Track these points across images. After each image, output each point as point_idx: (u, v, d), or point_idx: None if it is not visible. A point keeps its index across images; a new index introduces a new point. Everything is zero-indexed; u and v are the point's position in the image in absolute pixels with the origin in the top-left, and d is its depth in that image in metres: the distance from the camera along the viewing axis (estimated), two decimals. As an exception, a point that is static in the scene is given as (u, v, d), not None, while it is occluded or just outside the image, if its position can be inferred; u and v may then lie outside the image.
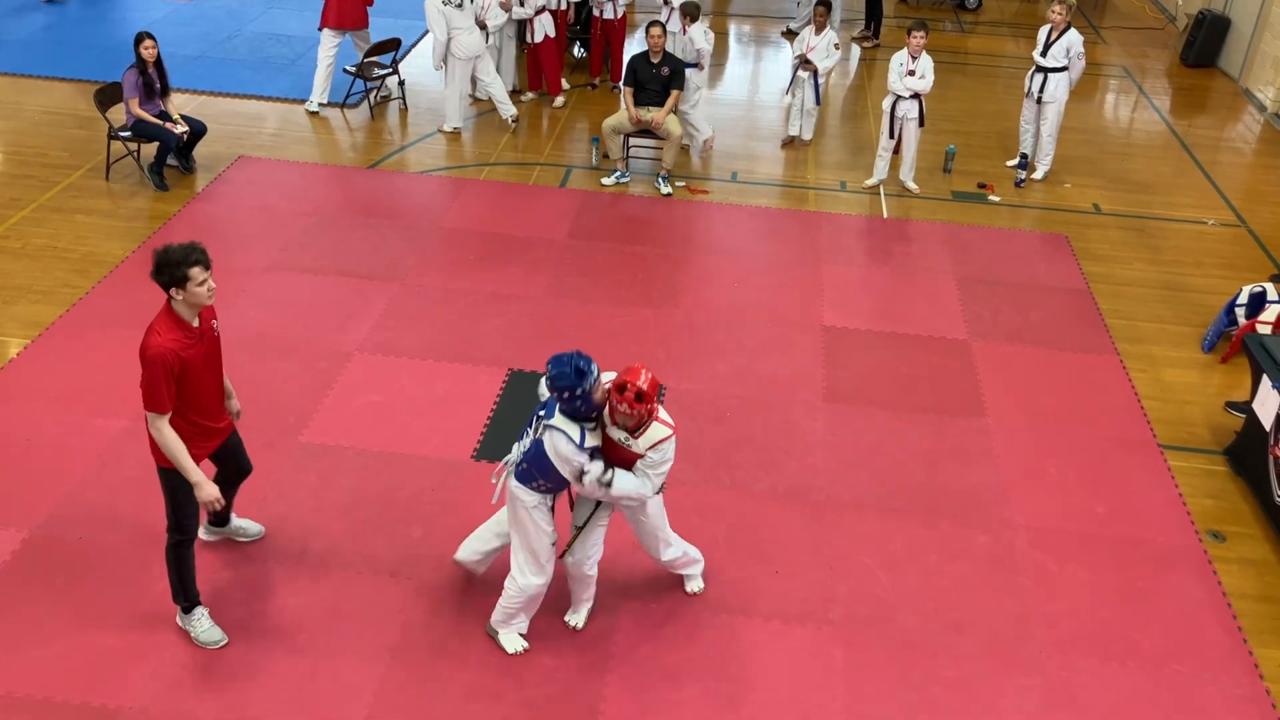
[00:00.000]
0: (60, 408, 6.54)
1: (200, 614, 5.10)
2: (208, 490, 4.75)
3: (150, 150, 9.34)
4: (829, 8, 10.54)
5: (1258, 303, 7.66)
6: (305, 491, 6.03)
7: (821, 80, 10.66)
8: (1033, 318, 8.11)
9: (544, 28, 11.04)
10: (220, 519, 5.55)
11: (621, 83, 9.91)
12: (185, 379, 4.60)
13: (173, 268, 4.46)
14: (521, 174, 10.02)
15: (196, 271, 4.50)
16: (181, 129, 9.19)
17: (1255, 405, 6.48)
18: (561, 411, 4.68)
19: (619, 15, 11.73)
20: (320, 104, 10.99)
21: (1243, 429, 6.70)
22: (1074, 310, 8.24)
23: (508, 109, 10.68)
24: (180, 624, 5.16)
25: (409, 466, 6.27)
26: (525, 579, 4.96)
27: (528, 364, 7.20)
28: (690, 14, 10.32)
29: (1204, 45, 13.79)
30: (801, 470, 6.44)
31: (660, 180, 9.79)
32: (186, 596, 5.07)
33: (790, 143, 10.99)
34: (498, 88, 10.61)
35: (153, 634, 5.11)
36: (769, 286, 8.34)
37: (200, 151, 9.70)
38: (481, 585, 5.48)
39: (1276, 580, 5.89)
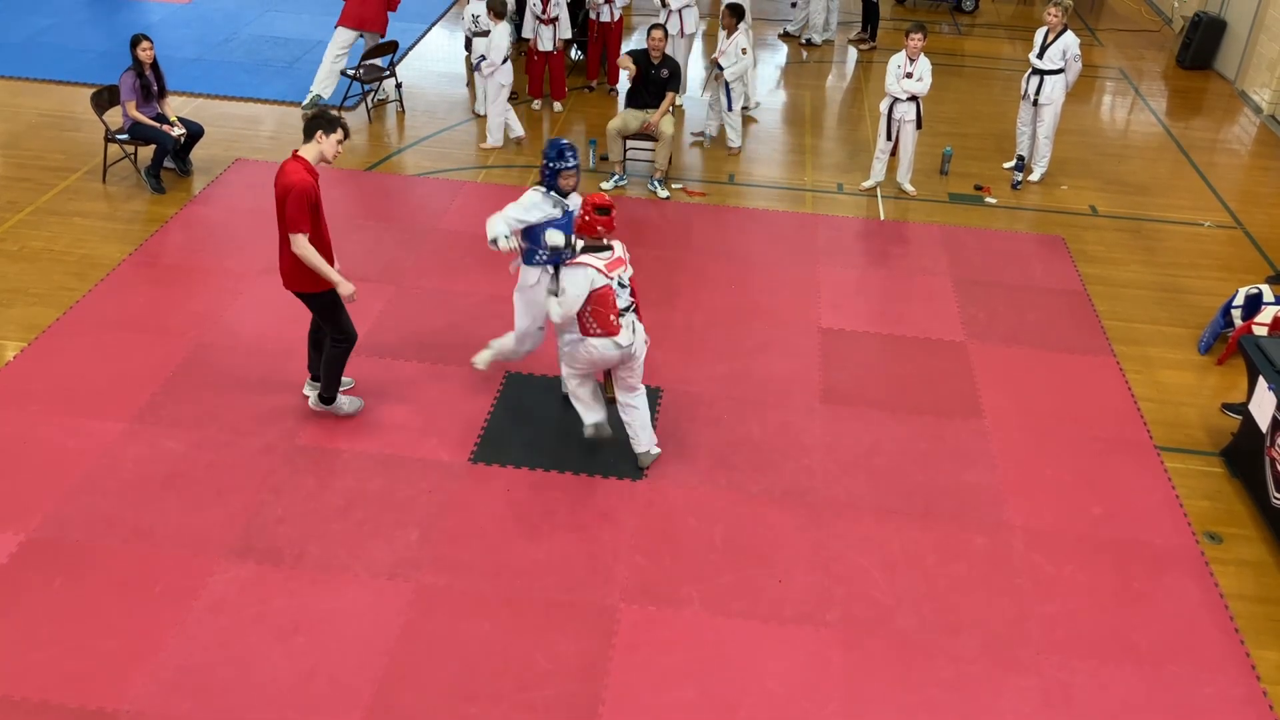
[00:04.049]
0: (58, 410, 6.54)
1: (342, 399, 6.46)
2: (348, 285, 5.92)
3: (147, 153, 9.33)
4: (736, 14, 10.35)
5: (1254, 304, 7.67)
6: (302, 494, 6.03)
7: (733, 85, 10.46)
8: (1029, 319, 8.12)
9: (558, 35, 11.06)
10: (329, 395, 6.44)
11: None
12: (315, 216, 5.58)
13: (330, 119, 5.71)
14: (519, 176, 10.03)
15: (341, 134, 5.70)
16: (178, 131, 9.18)
17: (1251, 407, 6.49)
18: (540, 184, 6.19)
19: (615, 18, 11.74)
20: (317, 95, 10.84)
21: (1239, 430, 6.71)
22: (1070, 312, 8.26)
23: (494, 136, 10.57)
24: (319, 407, 6.51)
25: (406, 469, 6.27)
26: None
27: (524, 366, 7.20)
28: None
29: (1200, 47, 13.81)
30: (798, 472, 6.44)
31: (655, 184, 9.78)
32: (334, 391, 6.40)
33: (699, 142, 10.91)
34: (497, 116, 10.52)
35: (150, 637, 5.11)
36: (766, 288, 8.34)
37: (197, 154, 9.70)
38: (478, 588, 5.49)
39: (1273, 581, 5.90)
